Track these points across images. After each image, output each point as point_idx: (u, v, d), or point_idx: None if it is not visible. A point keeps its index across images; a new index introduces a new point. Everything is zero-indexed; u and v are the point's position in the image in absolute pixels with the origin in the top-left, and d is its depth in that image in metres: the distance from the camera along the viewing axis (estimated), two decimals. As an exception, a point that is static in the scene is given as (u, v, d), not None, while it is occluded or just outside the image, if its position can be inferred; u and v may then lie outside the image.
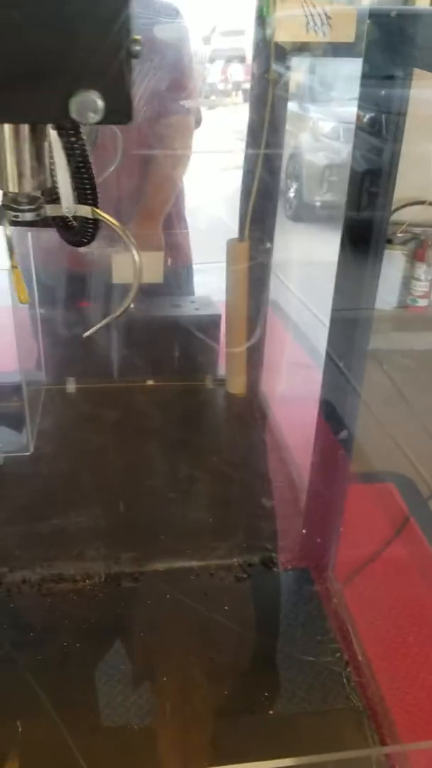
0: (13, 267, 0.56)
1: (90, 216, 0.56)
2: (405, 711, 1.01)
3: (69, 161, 0.51)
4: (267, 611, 1.17)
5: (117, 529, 1.28)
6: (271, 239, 1.33)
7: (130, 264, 0.59)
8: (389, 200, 1.08)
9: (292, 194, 3.17)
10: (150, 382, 1.57)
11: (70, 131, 0.48)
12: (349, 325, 1.22)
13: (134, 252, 0.60)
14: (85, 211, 0.56)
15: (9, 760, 0.91)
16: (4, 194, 0.54)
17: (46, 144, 0.51)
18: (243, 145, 1.32)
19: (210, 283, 1.71)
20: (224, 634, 1.11)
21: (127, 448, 1.43)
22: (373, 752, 0.80)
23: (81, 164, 0.52)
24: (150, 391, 1.57)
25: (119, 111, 0.42)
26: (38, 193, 0.54)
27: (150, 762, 0.93)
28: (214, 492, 1.34)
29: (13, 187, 0.52)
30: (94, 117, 0.41)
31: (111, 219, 0.57)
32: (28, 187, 0.52)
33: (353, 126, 1.17)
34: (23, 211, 0.54)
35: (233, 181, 1.69)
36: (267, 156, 1.22)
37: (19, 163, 0.50)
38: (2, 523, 1.26)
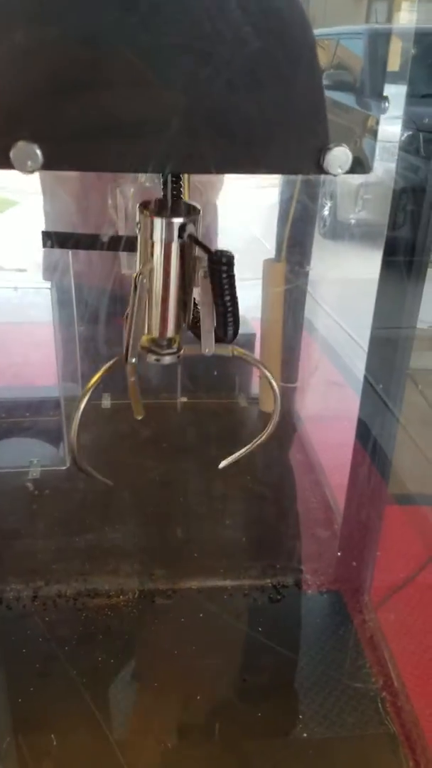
0: (131, 380, 0.54)
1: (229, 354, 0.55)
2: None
3: (217, 301, 0.48)
4: (301, 633, 1.16)
5: (151, 546, 1.29)
6: (308, 261, 1.34)
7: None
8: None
9: (326, 212, 3.18)
10: (184, 399, 1.58)
11: (224, 266, 0.46)
12: (388, 344, 1.21)
13: (274, 386, 0.60)
14: (224, 350, 0.54)
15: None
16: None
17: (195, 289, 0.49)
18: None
19: (241, 301, 1.72)
20: (258, 655, 1.10)
21: (161, 465, 1.45)
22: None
23: (229, 302, 0.48)
24: (184, 409, 1.59)
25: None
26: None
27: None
28: (248, 511, 1.34)
29: (156, 333, 0.51)
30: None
31: (253, 359, 0.56)
32: (171, 332, 0.51)
33: (389, 144, 1.17)
34: (163, 354, 0.53)
35: (268, 199, 1.70)
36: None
37: (164, 311, 0.49)
38: (38, 537, 1.28)
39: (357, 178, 3.31)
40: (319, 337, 1.99)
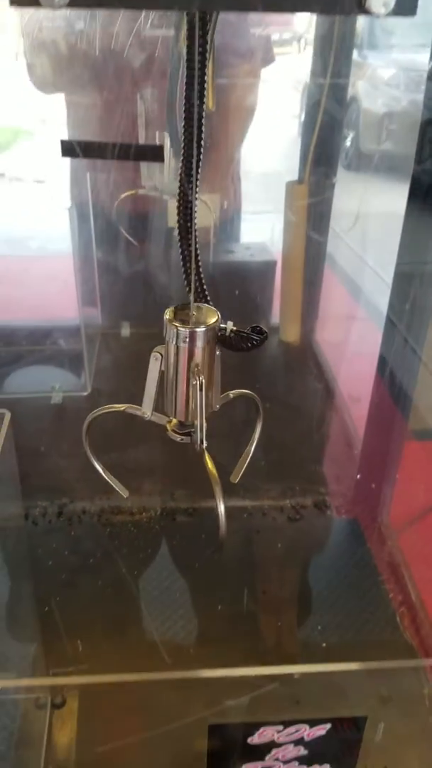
0: (202, 449, 0.57)
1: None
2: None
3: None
4: (320, 551, 1.19)
5: (172, 467, 1.30)
6: (334, 173, 1.29)
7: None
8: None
9: (348, 143, 3.07)
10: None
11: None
12: (412, 280, 1.19)
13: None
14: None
15: (69, 675, 0.96)
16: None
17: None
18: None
19: (257, 233, 1.68)
20: (277, 571, 1.13)
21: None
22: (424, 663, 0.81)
23: None
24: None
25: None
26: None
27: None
28: (268, 434, 1.35)
29: (181, 417, 0.57)
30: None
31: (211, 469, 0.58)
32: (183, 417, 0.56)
33: (414, 74, 1.12)
34: (185, 435, 0.59)
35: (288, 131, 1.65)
36: (332, 87, 1.17)
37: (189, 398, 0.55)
38: (62, 458, 1.30)
39: (381, 107, 3.18)
40: (341, 270, 1.95)
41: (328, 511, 1.24)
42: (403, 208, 1.16)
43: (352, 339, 1.78)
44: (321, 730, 0.56)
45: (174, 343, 0.52)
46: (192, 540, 1.19)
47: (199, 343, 0.52)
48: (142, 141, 0.95)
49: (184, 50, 0.46)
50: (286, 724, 0.56)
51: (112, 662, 0.95)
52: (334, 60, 1.12)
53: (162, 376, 0.56)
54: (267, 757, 0.58)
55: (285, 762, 0.59)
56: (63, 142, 0.94)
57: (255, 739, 0.56)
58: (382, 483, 1.28)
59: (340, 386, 1.55)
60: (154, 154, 0.84)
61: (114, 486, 0.68)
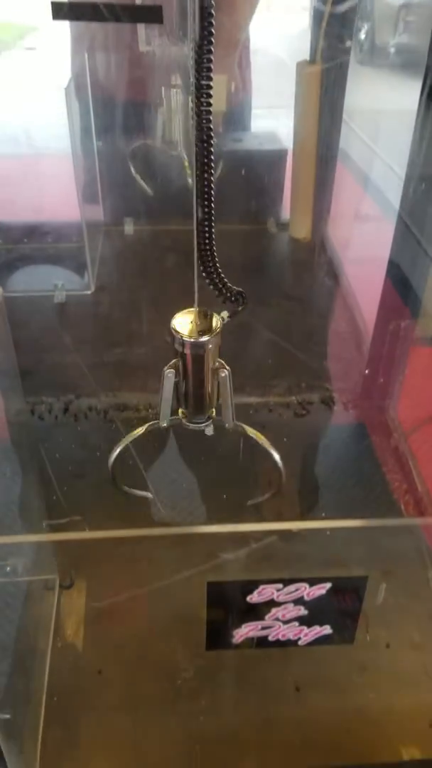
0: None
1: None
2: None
3: None
4: (326, 445, 1.18)
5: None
6: (350, 36, 1.20)
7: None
8: None
9: (363, 36, 2.87)
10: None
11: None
12: (426, 179, 1.12)
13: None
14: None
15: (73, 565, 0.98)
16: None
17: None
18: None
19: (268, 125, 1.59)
20: (283, 462, 1.13)
21: (185, 290, 1.42)
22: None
23: None
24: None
25: None
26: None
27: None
28: (275, 330, 1.32)
29: (203, 412, 0.64)
30: None
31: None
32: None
33: None
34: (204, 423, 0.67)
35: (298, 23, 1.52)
36: None
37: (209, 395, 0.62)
38: (67, 356, 1.29)
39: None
40: (355, 167, 1.86)
41: (334, 406, 1.23)
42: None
43: (364, 237, 1.72)
44: (321, 589, 0.57)
45: (190, 352, 0.57)
46: (198, 435, 1.19)
47: (211, 346, 0.57)
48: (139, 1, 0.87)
49: None
50: (286, 582, 0.56)
51: (117, 545, 0.97)
52: None
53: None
54: (267, 617, 0.59)
55: (285, 622, 0.60)
56: (53, 4, 0.87)
57: (254, 597, 0.57)
58: (389, 380, 1.26)
59: (350, 285, 1.50)
60: (153, 15, 0.77)
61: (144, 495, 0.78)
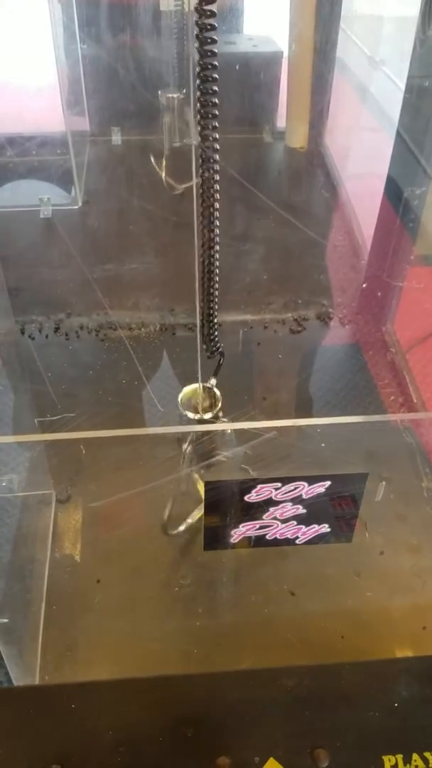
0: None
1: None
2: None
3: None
4: (322, 360, 1.17)
5: (171, 282, 1.25)
6: None
7: None
8: None
9: None
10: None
11: None
12: (426, 93, 1.06)
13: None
14: None
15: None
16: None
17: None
18: None
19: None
20: (277, 378, 1.12)
21: (179, 206, 1.36)
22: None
23: None
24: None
25: None
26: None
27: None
28: (271, 248, 1.28)
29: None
30: None
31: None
32: None
33: None
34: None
35: None
36: None
37: None
38: (56, 273, 1.25)
39: None
40: (353, 77, 1.77)
41: (331, 322, 1.20)
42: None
43: (363, 148, 1.64)
44: (320, 487, 0.56)
45: None
46: (193, 353, 1.17)
47: None
48: None
49: None
50: (285, 481, 0.55)
51: (112, 456, 0.96)
52: None
53: None
54: (265, 516, 0.59)
55: (283, 521, 0.59)
56: None
57: (252, 496, 0.56)
58: (386, 295, 1.23)
59: (348, 198, 1.45)
60: None
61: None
